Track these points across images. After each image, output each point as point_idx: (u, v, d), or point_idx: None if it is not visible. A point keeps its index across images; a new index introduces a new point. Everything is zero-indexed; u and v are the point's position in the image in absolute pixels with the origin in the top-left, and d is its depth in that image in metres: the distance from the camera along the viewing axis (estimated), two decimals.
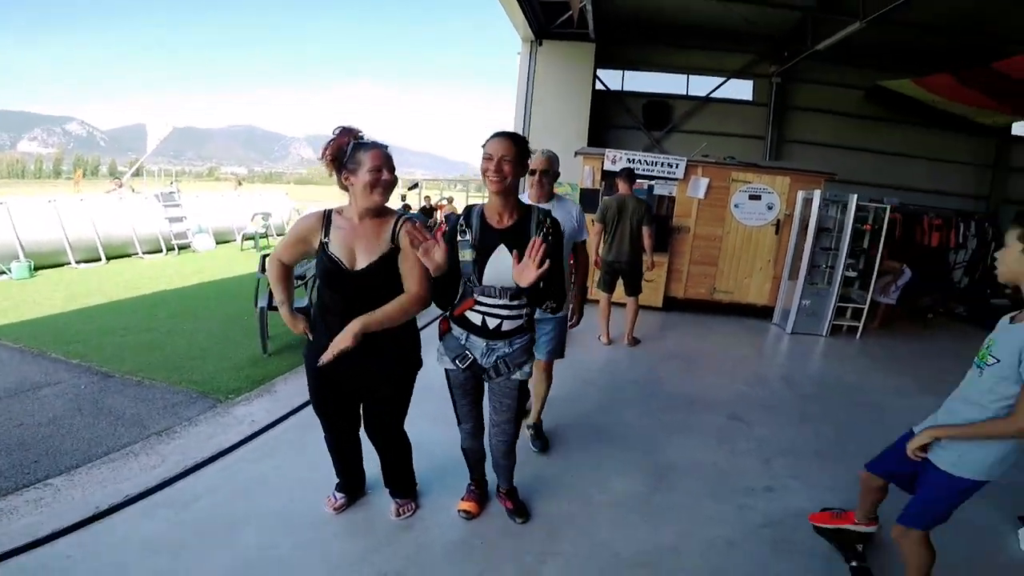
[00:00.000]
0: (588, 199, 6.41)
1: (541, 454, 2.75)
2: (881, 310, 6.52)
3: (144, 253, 8.74)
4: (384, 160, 1.70)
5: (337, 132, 1.73)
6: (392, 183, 1.74)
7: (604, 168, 6.47)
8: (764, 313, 6.33)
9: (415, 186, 12.14)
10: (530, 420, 2.82)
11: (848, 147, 10.08)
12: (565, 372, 3.46)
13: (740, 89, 10.52)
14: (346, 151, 1.70)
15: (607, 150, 6.58)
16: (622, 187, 4.74)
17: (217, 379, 3.67)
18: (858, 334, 5.93)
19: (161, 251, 9.01)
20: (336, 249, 1.73)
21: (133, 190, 10.28)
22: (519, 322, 1.83)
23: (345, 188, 1.75)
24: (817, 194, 5.74)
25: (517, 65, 10.24)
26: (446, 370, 1.95)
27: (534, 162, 2.34)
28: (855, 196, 5.71)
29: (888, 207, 6.03)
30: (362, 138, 1.74)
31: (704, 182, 6.28)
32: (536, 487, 2.46)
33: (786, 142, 10.33)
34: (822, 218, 5.78)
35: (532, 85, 10.07)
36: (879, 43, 8.82)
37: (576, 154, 6.78)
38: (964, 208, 9.61)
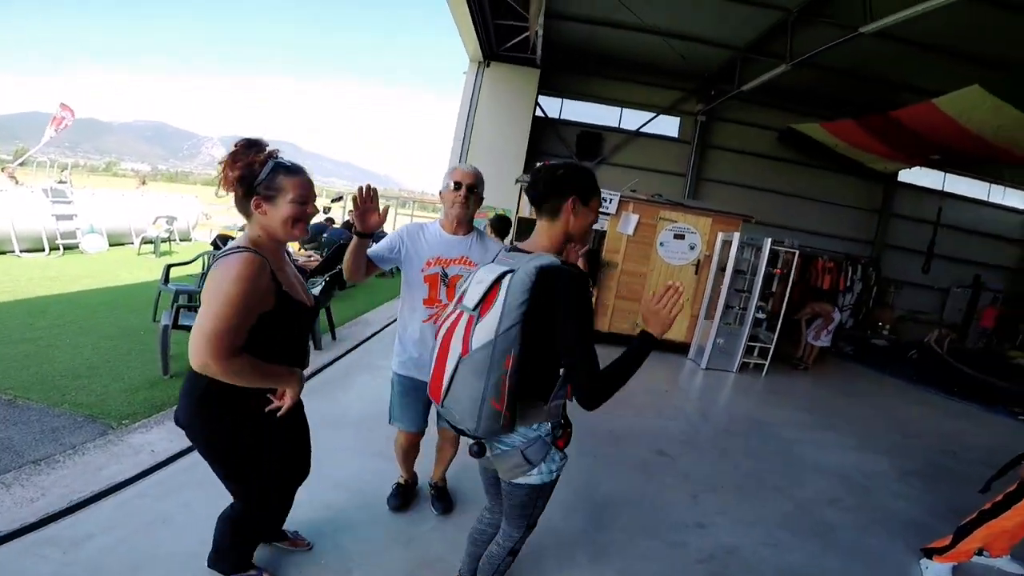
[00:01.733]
0: (526, 229, 6.38)
1: (444, 516, 2.53)
2: (815, 352, 6.98)
3: (23, 251, 7.66)
4: (310, 190, 1.45)
5: (242, 144, 1.39)
6: (313, 215, 1.50)
7: None
8: (681, 349, 6.56)
9: (339, 198, 11.58)
10: (432, 478, 2.58)
11: (758, 188, 10.70)
12: None
13: (668, 126, 10.92)
14: (259, 172, 1.38)
15: None
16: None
17: (108, 401, 3.15)
18: (764, 372, 6.27)
19: (43, 250, 7.94)
20: (291, 290, 1.48)
21: (16, 181, 9.03)
22: None
23: (247, 214, 1.43)
24: (736, 236, 6.04)
25: (462, 84, 10.16)
26: None
27: (458, 175, 2.05)
28: (769, 240, 6.05)
29: (796, 251, 6.46)
30: (280, 158, 1.43)
31: (634, 219, 6.43)
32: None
33: (704, 180, 10.81)
34: (738, 260, 6.09)
35: (475, 105, 10.01)
36: (794, 87, 9.54)
37: (517, 181, 6.76)
38: (852, 252, 10.48)
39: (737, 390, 5.65)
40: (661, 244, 6.48)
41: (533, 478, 1.41)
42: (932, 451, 4.41)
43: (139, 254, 9.00)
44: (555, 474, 1.44)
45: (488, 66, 9.90)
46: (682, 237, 6.53)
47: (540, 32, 7.96)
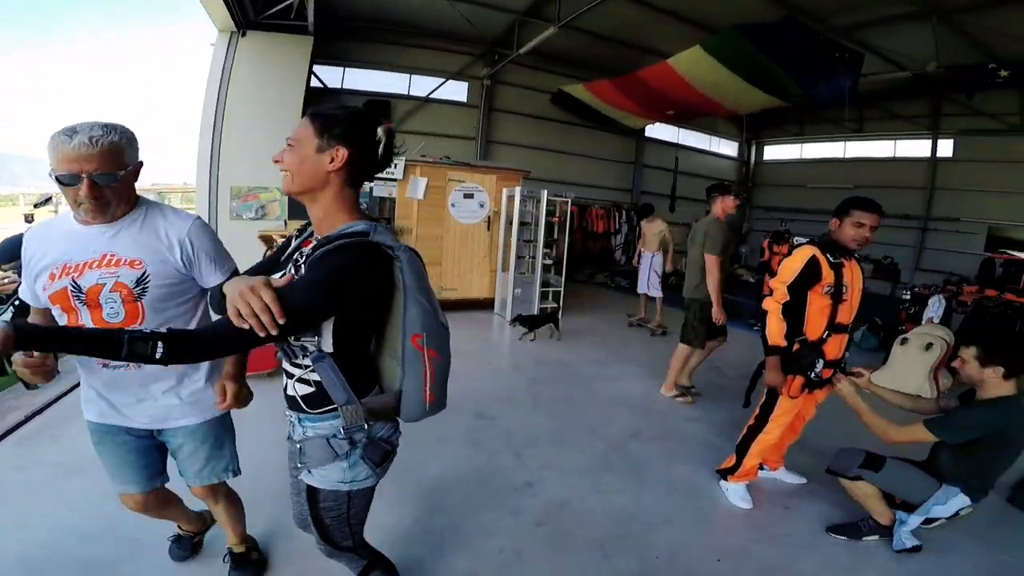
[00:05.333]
0: (298, 206, 5.83)
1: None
2: (658, 304, 6.67)
3: None
4: None
5: None
6: None
7: None
8: (488, 305, 6.84)
9: (46, 201, 9.06)
10: (227, 542, 1.96)
11: (538, 147, 11.63)
12: (262, 412, 2.59)
13: (458, 91, 11.07)
14: None
15: None
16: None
17: None
18: (560, 314, 6.89)
19: None
20: None
21: None
22: (308, 388, 1.23)
23: None
24: (517, 191, 6.43)
25: (210, 57, 8.65)
26: None
27: (66, 161, 1.26)
28: (545, 192, 6.58)
29: (569, 200, 7.17)
30: None
31: (423, 182, 6.37)
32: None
33: (493, 143, 11.33)
34: (522, 213, 6.51)
35: (228, 80, 8.62)
36: (566, 52, 10.44)
37: (276, 161, 6.10)
38: (617, 200, 12.33)
39: (540, 336, 6.00)
40: (453, 205, 6.58)
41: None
42: (703, 370, 4.56)
43: None
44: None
45: (244, 36, 8.64)
46: (471, 196, 6.72)
47: None
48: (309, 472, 1.28)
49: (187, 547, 2.02)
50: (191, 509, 1.96)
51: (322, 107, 1.23)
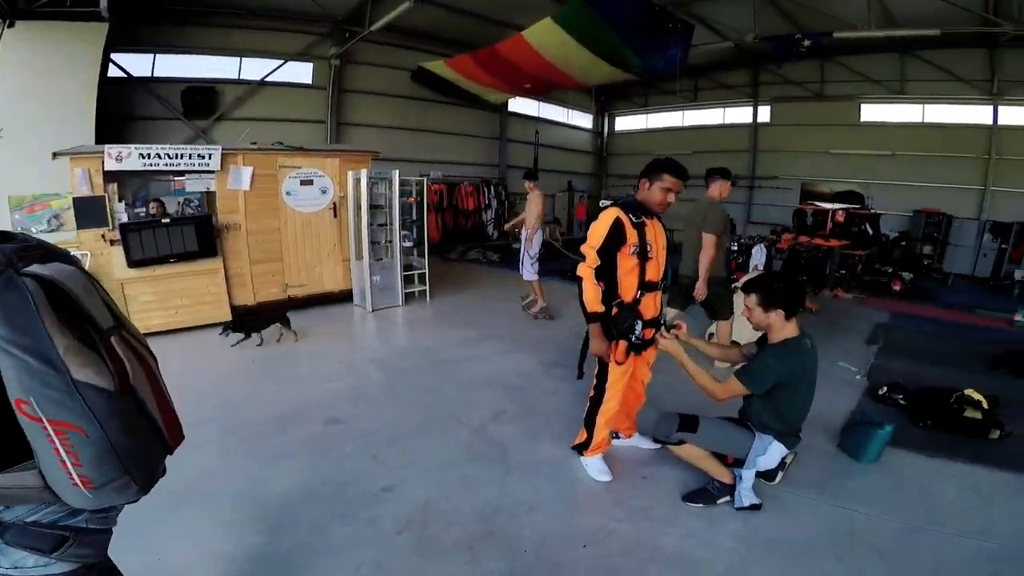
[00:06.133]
0: (88, 211, 4.89)
1: None
2: (535, 286, 5.87)
3: None
4: None
5: None
6: None
7: (107, 169, 5.00)
8: (345, 297, 6.31)
9: None
10: None
11: (400, 127, 11.22)
12: None
13: (302, 72, 10.25)
14: None
15: (107, 147, 5.06)
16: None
17: None
18: (427, 297, 6.62)
19: None
20: None
21: None
22: None
23: None
24: (364, 173, 5.95)
25: None
26: None
27: None
28: (397, 172, 6.17)
29: (424, 179, 6.89)
30: None
31: (247, 171, 5.63)
32: None
33: (346, 125, 10.66)
34: (374, 196, 6.05)
35: None
36: (425, 28, 10.08)
37: (55, 156, 4.98)
38: (485, 175, 12.38)
39: (406, 323, 5.75)
40: (288, 193, 5.91)
41: None
42: (562, 338, 4.60)
43: None
44: None
45: (12, 26, 7.01)
46: (310, 183, 6.10)
47: None
48: None
49: None
50: None
51: None
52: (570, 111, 15.48)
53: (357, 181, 6.05)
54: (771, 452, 2.29)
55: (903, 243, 10.49)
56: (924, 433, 3.22)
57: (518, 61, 8.38)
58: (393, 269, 6.16)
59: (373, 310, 5.98)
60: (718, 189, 4.02)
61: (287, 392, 3.71)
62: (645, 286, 2.42)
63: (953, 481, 2.73)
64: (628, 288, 2.41)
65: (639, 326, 2.38)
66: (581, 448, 2.71)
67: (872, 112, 12.14)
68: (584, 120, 16.21)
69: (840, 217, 9.48)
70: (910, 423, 3.30)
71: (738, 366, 2.34)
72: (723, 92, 14.04)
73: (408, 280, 6.48)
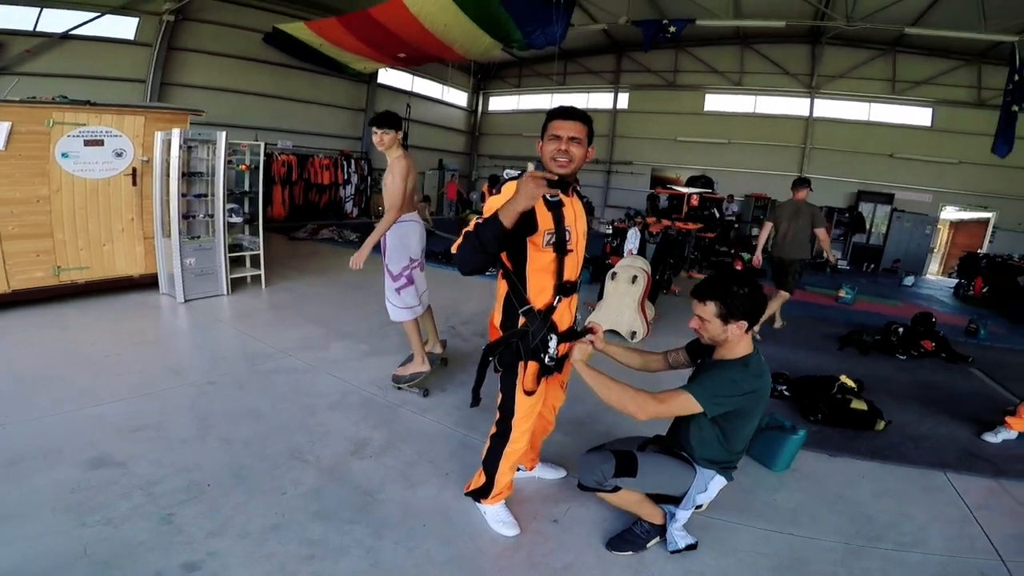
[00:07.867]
0: None
1: None
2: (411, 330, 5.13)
3: None
4: None
5: None
6: None
7: None
8: (148, 283, 5.13)
9: None
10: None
11: (245, 92, 10.17)
12: None
13: (123, 28, 8.97)
14: None
15: None
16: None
17: None
18: (262, 284, 5.67)
19: None
20: None
21: None
22: None
23: None
24: (176, 133, 4.84)
25: None
26: None
27: None
28: (224, 134, 5.14)
29: (262, 145, 5.93)
30: None
31: (3, 127, 4.28)
32: None
33: (173, 85, 9.37)
34: (193, 162, 5.03)
35: None
36: None
37: None
38: (345, 148, 11.49)
39: (230, 318, 4.67)
40: (65, 155, 4.60)
41: None
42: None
43: None
44: None
45: None
46: (99, 143, 4.82)
47: None
48: None
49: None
50: None
51: None
52: (445, 88, 14.86)
53: (167, 143, 4.92)
54: (712, 487, 1.96)
55: (736, 225, 11.71)
56: (817, 429, 3.15)
57: (393, 27, 7.91)
58: (215, 250, 5.15)
59: (186, 300, 4.89)
60: (804, 193, 5.25)
61: (30, 419, 2.62)
62: (562, 288, 1.84)
63: (865, 485, 2.67)
64: (540, 290, 1.82)
65: (553, 342, 1.84)
66: (478, 495, 2.14)
67: (715, 102, 13.39)
68: (459, 98, 15.73)
69: (695, 201, 10.22)
70: (802, 418, 3.28)
71: (690, 383, 1.87)
72: (589, 78, 14.47)
73: (236, 263, 5.50)
